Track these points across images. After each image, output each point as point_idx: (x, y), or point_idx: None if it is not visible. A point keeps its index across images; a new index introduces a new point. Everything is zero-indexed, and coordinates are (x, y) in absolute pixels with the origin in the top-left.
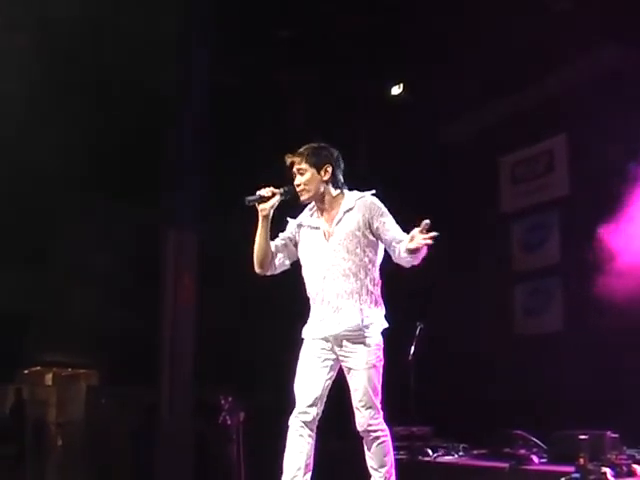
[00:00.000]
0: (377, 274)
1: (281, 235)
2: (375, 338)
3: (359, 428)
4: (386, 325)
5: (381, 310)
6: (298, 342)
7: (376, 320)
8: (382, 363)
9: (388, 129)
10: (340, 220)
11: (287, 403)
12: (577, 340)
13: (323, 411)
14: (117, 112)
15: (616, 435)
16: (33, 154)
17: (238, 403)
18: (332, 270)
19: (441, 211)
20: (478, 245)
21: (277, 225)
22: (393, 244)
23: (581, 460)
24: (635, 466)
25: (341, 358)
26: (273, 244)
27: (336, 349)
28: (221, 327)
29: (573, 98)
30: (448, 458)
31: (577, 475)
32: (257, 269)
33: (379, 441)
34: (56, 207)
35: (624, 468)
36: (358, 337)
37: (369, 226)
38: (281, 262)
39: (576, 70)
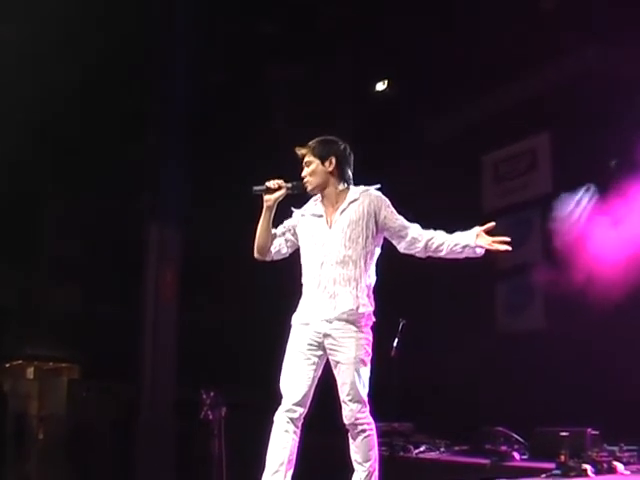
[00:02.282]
0: (374, 268)
1: (283, 223)
2: (365, 332)
3: (346, 421)
4: (373, 319)
5: (373, 302)
6: (281, 337)
7: (368, 312)
8: (370, 357)
9: (371, 126)
10: (345, 209)
11: (269, 398)
12: (559, 337)
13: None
14: (101, 108)
15: (597, 432)
16: (15, 149)
17: (220, 398)
18: (331, 256)
19: (423, 208)
20: None
21: (283, 214)
22: (402, 231)
23: (562, 457)
24: (616, 463)
25: (329, 352)
26: (275, 232)
27: (325, 342)
28: (203, 323)
29: (556, 97)
30: (430, 454)
31: (558, 471)
32: (256, 255)
33: (365, 435)
34: (37, 202)
35: (605, 465)
36: (350, 329)
37: (374, 217)
38: (277, 250)
39: (559, 69)
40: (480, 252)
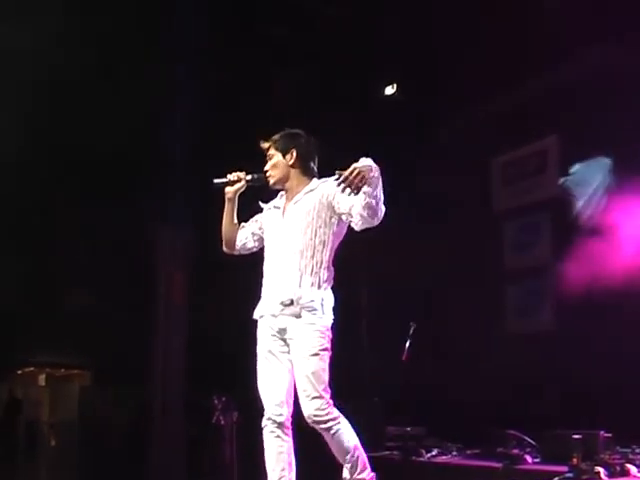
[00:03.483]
0: (327, 257)
1: (253, 217)
2: (317, 325)
3: (307, 420)
4: (330, 316)
5: (325, 296)
6: None
7: (315, 302)
8: (327, 351)
9: (379, 129)
10: (299, 200)
11: None
12: (569, 339)
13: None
14: (108, 111)
15: (609, 434)
16: (21, 153)
17: (231, 403)
18: (281, 248)
19: (432, 212)
20: (469, 245)
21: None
22: (351, 210)
23: (574, 460)
24: (628, 465)
25: (289, 344)
26: (242, 225)
27: (283, 336)
28: (214, 326)
29: (565, 99)
30: (442, 458)
31: (570, 475)
32: (224, 248)
33: (332, 431)
34: (48, 207)
35: (617, 468)
36: (299, 321)
37: (328, 204)
38: (243, 244)
39: (568, 70)
40: (373, 180)
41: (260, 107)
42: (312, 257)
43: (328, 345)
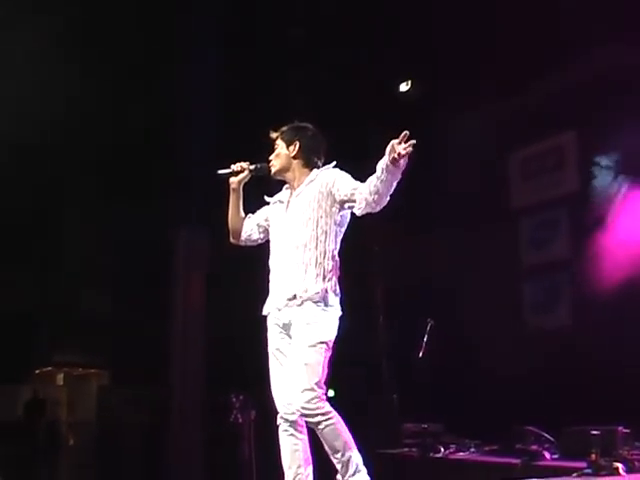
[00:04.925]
0: (331, 248)
1: (260, 209)
2: (319, 317)
3: (297, 412)
4: (336, 308)
5: (331, 287)
6: None
7: (320, 294)
8: (326, 345)
9: (398, 127)
10: (300, 193)
11: None
12: (586, 335)
13: None
14: (127, 111)
15: (628, 430)
16: (39, 153)
17: (249, 401)
18: (285, 242)
19: (450, 207)
20: (487, 242)
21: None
22: (354, 192)
23: (593, 455)
24: None
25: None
26: (248, 217)
27: (288, 331)
28: (231, 325)
29: (584, 94)
30: (460, 454)
31: (589, 470)
32: (231, 239)
33: (321, 427)
34: (67, 208)
35: (636, 463)
36: (301, 313)
37: (328, 192)
38: (248, 235)
39: (587, 65)
40: (401, 163)
41: (277, 107)
42: (315, 248)
43: (328, 339)
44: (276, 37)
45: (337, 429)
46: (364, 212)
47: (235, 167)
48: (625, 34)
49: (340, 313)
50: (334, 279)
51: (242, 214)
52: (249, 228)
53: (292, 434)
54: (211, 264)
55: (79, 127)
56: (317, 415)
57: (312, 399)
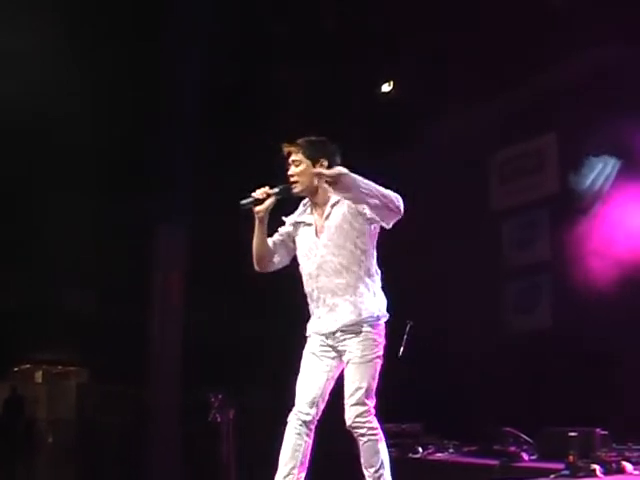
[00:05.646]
0: (372, 263)
1: (279, 231)
2: (372, 332)
3: (347, 423)
4: (386, 316)
5: (380, 301)
6: (289, 339)
7: (374, 313)
8: (380, 359)
9: (379, 127)
10: (329, 215)
11: (278, 400)
12: (567, 336)
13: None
14: (108, 110)
15: (605, 432)
16: (21, 151)
17: (228, 400)
18: (324, 267)
19: (431, 209)
20: (468, 243)
21: (274, 222)
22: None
23: (571, 457)
24: (624, 463)
25: (341, 352)
26: (271, 241)
27: (336, 345)
28: (210, 325)
29: (563, 97)
30: (438, 455)
31: (567, 472)
32: (256, 267)
33: (365, 439)
34: (46, 204)
35: (613, 465)
36: (355, 331)
37: (357, 212)
38: (279, 260)
39: (566, 69)
40: (339, 182)
41: (260, 109)
42: (359, 269)
43: (380, 353)
44: (261, 35)
45: (378, 446)
46: (390, 221)
47: (258, 194)
48: (606, 38)
49: (388, 316)
50: (380, 292)
51: (268, 241)
52: (280, 255)
53: (299, 433)
54: (191, 264)
55: (63, 124)
56: (365, 429)
57: (363, 413)
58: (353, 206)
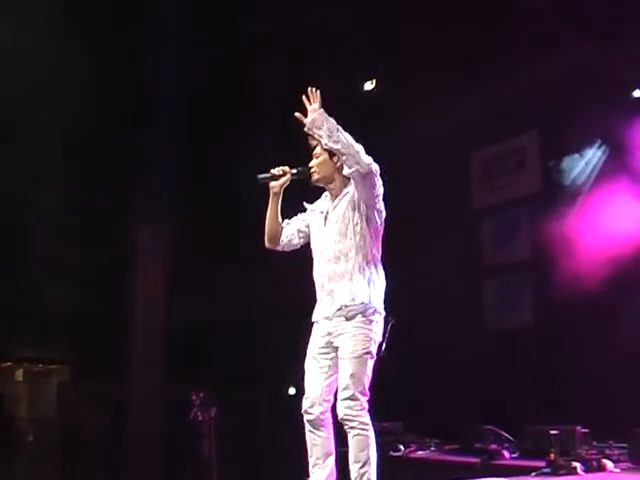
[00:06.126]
0: (373, 253)
1: (297, 215)
2: (364, 327)
3: (338, 416)
4: (382, 313)
5: (377, 292)
6: (272, 337)
7: (367, 301)
8: (371, 355)
9: (359, 124)
10: (337, 205)
11: (260, 399)
12: (547, 335)
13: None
14: (88, 105)
15: (586, 430)
16: (2, 149)
17: (209, 398)
18: (326, 253)
19: (412, 206)
20: (449, 241)
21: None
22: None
23: (552, 455)
24: (605, 461)
25: (336, 349)
26: (286, 222)
27: (332, 340)
28: (192, 323)
29: (545, 95)
30: (420, 453)
31: (548, 470)
32: (267, 244)
33: (354, 433)
34: (24, 200)
35: (594, 463)
36: (348, 324)
37: (357, 200)
38: (288, 240)
39: (548, 67)
40: (312, 121)
41: (241, 103)
42: (357, 255)
43: (372, 349)
44: (242, 31)
45: (367, 442)
46: (352, 173)
47: (276, 171)
48: (585, 36)
49: (384, 314)
50: (378, 283)
51: (280, 219)
52: (289, 233)
53: (311, 430)
54: (173, 260)
55: (44, 120)
56: (355, 422)
57: (354, 406)
58: (355, 196)
